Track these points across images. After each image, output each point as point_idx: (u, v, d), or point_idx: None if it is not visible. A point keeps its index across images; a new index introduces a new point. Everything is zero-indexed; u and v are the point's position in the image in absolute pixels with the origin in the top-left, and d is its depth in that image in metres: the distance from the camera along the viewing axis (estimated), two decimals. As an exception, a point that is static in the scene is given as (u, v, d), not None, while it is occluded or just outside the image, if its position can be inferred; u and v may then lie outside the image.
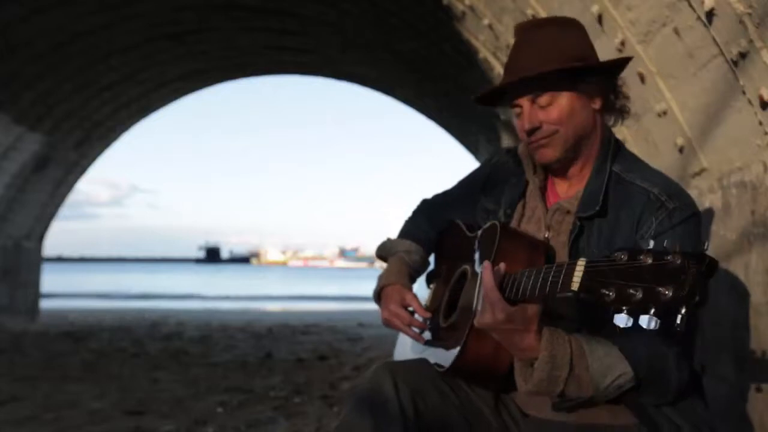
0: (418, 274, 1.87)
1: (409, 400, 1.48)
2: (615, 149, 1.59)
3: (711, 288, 2.43)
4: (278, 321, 12.25)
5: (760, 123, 2.04)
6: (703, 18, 2.12)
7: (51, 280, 16.29)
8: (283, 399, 4.87)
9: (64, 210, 11.85)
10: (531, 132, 1.53)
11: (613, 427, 1.46)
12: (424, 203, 1.97)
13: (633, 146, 3.04)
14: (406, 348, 1.85)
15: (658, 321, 1.02)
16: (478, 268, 1.60)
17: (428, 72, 8.28)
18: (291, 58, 10.34)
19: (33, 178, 10.19)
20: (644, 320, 1.03)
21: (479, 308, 1.36)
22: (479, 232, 1.67)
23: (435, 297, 1.84)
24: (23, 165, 9.79)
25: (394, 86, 10.51)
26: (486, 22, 4.76)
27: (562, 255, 1.53)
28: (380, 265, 1.92)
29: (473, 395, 1.58)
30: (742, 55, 2.00)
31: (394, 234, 1.93)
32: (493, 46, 5.07)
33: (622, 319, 1.05)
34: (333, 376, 5.84)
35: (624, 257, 1.06)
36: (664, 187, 1.49)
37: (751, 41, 1.92)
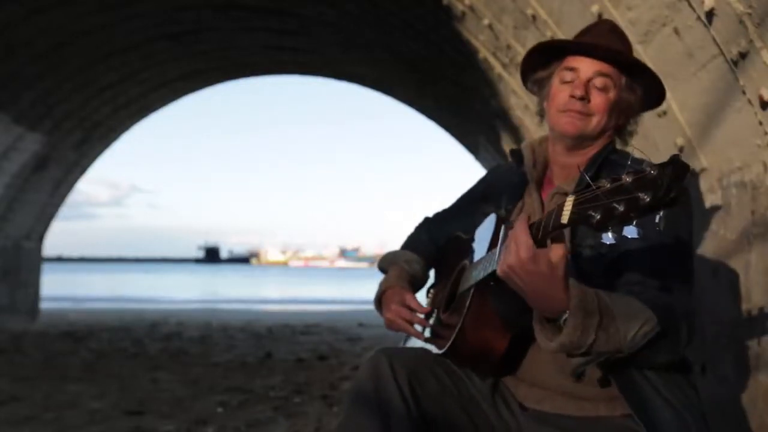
0: (419, 284, 1.90)
1: (406, 383, 1.50)
2: (614, 148, 1.67)
3: (711, 288, 2.43)
4: (278, 321, 12.25)
5: (760, 123, 2.04)
6: (703, 18, 2.12)
7: (51, 282, 16.26)
8: (283, 399, 4.87)
9: (64, 210, 11.85)
10: (580, 98, 1.57)
11: (611, 419, 1.48)
12: (426, 220, 2.02)
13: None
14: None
15: (640, 230, 1.09)
16: (476, 258, 1.61)
17: (428, 72, 8.28)
18: (291, 58, 10.34)
19: (33, 178, 10.19)
20: (628, 230, 1.09)
21: (502, 254, 1.31)
22: (477, 230, 1.69)
23: (435, 299, 1.85)
24: (23, 165, 9.79)
25: (394, 86, 10.50)
26: (486, 22, 4.76)
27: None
28: (376, 253, 1.95)
29: (471, 386, 1.59)
30: (742, 55, 2.00)
31: (394, 235, 1.97)
32: (493, 46, 5.07)
33: (608, 237, 1.11)
34: (333, 376, 5.84)
35: (608, 184, 1.11)
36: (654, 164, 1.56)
37: (751, 41, 1.92)
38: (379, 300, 1.84)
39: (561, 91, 1.60)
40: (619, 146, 1.69)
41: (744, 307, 2.20)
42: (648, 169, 1.07)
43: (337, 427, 1.55)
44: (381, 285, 1.85)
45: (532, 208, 1.66)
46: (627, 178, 1.08)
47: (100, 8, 7.84)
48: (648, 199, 1.06)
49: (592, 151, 1.62)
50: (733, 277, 2.25)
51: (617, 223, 1.09)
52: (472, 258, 1.66)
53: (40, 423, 4.12)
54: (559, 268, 1.25)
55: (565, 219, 1.16)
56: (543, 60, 1.68)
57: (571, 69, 1.60)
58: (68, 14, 7.77)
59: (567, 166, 1.64)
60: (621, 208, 1.08)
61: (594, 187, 1.12)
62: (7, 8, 7.25)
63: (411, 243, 1.97)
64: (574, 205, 1.15)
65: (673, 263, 1.44)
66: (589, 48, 1.59)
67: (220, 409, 4.49)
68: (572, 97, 1.57)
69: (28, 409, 4.47)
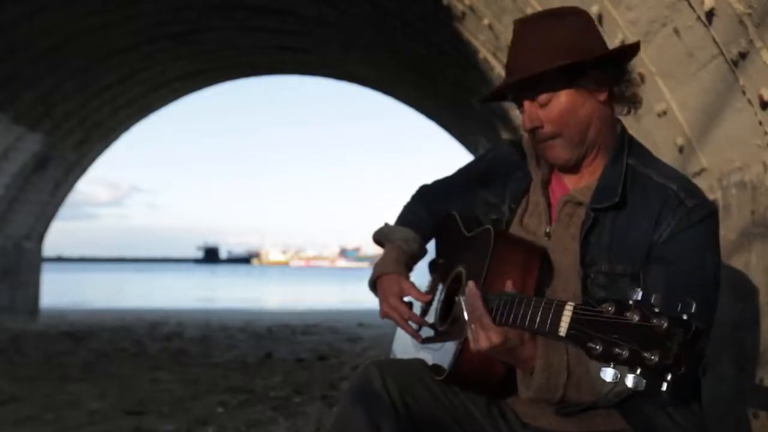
0: (416, 262, 1.83)
1: (397, 394, 1.48)
2: (629, 141, 1.56)
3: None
4: (278, 321, 12.24)
5: (760, 123, 2.04)
6: (703, 18, 2.12)
7: (51, 282, 16.19)
8: (283, 399, 4.87)
9: (64, 210, 11.86)
10: (533, 131, 1.51)
11: None
12: (424, 189, 1.92)
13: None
14: (403, 344, 1.84)
15: (644, 381, 1.01)
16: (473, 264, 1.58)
17: (428, 72, 8.28)
18: (291, 58, 10.35)
19: (33, 178, 10.20)
20: (630, 380, 1.02)
21: (470, 334, 1.37)
22: (476, 232, 1.64)
23: (432, 290, 1.82)
24: (23, 165, 9.80)
25: (394, 86, 10.51)
26: (486, 22, 4.76)
27: (570, 247, 1.50)
28: (377, 252, 1.89)
29: (465, 399, 1.56)
30: (742, 55, 2.00)
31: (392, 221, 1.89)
32: (493, 46, 5.08)
33: (609, 374, 1.03)
34: (333, 376, 5.84)
35: (611, 309, 1.05)
36: (681, 183, 1.47)
37: (751, 41, 1.92)
38: (374, 284, 1.77)
39: (523, 120, 1.55)
40: (628, 116, 1.57)
41: (744, 307, 2.20)
42: (656, 321, 1.00)
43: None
44: (377, 268, 1.77)
45: (538, 210, 1.60)
46: (633, 317, 1.02)
47: (100, 8, 7.85)
48: (654, 361, 0.99)
49: (594, 145, 1.52)
50: (733, 277, 2.25)
51: (620, 367, 1.03)
52: (468, 266, 1.62)
53: (40, 423, 4.12)
54: (526, 337, 1.35)
55: (562, 332, 1.14)
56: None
57: (517, 103, 1.56)
58: (68, 14, 7.78)
59: (577, 171, 1.57)
60: (625, 355, 1.01)
61: (595, 311, 1.06)
62: (7, 8, 7.25)
63: (408, 218, 1.86)
64: (572, 319, 1.12)
65: None
66: (511, 87, 1.52)
67: (220, 409, 4.49)
68: (528, 131, 1.53)
69: (28, 409, 4.47)
